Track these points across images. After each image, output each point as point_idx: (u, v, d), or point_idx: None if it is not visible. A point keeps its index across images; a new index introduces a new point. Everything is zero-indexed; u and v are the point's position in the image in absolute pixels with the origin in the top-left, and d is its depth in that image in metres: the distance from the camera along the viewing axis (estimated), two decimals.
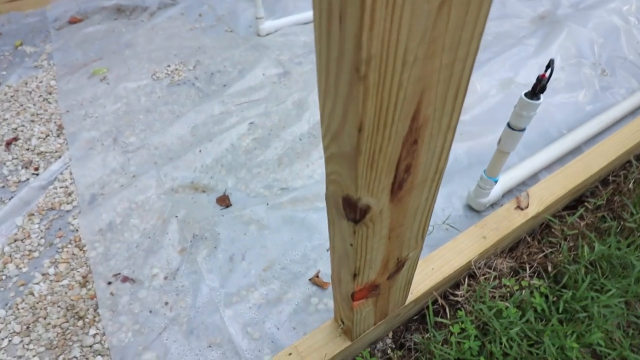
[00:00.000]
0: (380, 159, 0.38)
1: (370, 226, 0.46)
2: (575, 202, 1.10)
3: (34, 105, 1.55)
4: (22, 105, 1.56)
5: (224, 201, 1.16)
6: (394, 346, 0.85)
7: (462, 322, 0.75)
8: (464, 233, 0.92)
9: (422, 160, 0.42)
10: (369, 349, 0.84)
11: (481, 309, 0.77)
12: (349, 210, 0.43)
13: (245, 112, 1.43)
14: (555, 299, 0.80)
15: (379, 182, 0.40)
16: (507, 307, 0.77)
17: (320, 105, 0.36)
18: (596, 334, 0.72)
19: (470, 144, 1.24)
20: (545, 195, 0.98)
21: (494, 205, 1.09)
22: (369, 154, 0.36)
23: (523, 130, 0.86)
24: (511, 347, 0.70)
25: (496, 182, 1.00)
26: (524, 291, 0.81)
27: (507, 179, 1.08)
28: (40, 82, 1.68)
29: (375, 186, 0.40)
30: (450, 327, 0.75)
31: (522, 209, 0.95)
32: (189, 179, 1.24)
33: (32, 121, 1.48)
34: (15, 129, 1.45)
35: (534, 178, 1.14)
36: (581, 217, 0.98)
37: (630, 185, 1.03)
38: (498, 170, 0.96)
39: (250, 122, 1.39)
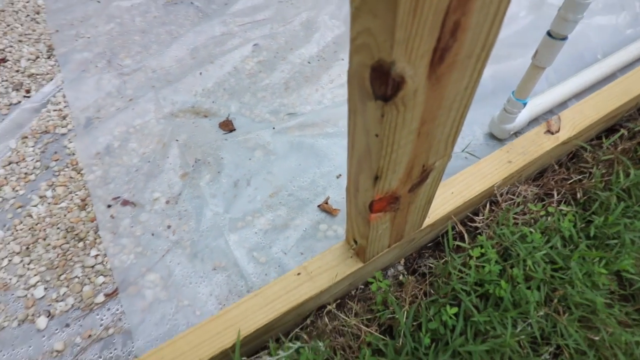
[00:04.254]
0: (426, 4, 0.29)
1: (401, 110, 0.39)
2: (608, 130, 1.01)
3: (22, 25, 1.43)
4: (8, 25, 1.44)
5: (227, 126, 1.09)
6: (406, 272, 0.82)
7: (482, 247, 0.70)
8: (487, 157, 0.84)
9: (473, 21, 0.34)
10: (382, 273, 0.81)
11: (503, 234, 0.72)
12: (378, 84, 0.36)
13: (248, 33, 1.31)
14: (583, 225, 0.75)
15: (419, 41, 0.32)
16: (531, 232, 0.71)
17: None
18: (627, 260, 0.67)
19: (496, 68, 1.13)
20: (578, 120, 0.89)
21: (517, 134, 1.01)
22: None
23: (565, 39, 0.76)
24: (535, 271, 0.66)
25: (525, 104, 0.91)
26: (550, 217, 0.75)
27: (534, 104, 0.99)
28: (27, 1, 1.54)
29: (415, 47, 0.32)
30: (470, 251, 0.70)
31: (552, 133, 0.87)
32: (190, 103, 1.15)
33: (20, 41, 1.37)
34: (3, 49, 1.35)
35: (562, 106, 1.05)
36: (615, 144, 0.90)
37: None
38: (529, 91, 0.87)
39: (254, 44, 1.27)
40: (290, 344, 0.62)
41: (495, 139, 1.01)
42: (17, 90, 1.24)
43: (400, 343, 0.61)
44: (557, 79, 1.11)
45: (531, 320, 0.62)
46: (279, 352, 0.62)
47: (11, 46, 1.36)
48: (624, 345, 0.62)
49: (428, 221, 0.74)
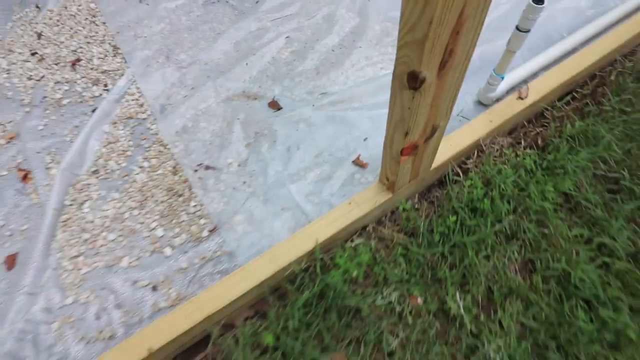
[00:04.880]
0: (437, 44, 0.61)
1: (422, 94, 0.71)
2: (566, 94, 1.33)
3: (84, 28, 1.70)
4: (71, 28, 1.71)
5: (275, 105, 1.40)
6: (420, 202, 1.16)
7: (472, 179, 1.04)
8: (475, 119, 1.17)
9: (460, 47, 0.65)
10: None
11: (486, 170, 1.05)
12: (411, 82, 0.67)
13: (280, 27, 1.59)
14: (541, 162, 1.08)
15: (433, 61, 0.64)
16: (505, 168, 1.05)
17: (403, 6, 0.58)
18: (568, 182, 1.00)
19: (482, 49, 1.43)
20: (541, 88, 1.21)
21: (499, 100, 1.33)
22: (432, 40, 0.59)
23: (528, 31, 1.06)
24: (506, 191, 0.99)
25: (503, 78, 1.22)
26: (518, 158, 1.09)
27: (511, 77, 1.30)
28: (80, 5, 1.80)
29: (431, 63, 0.64)
30: (463, 182, 1.04)
31: (522, 99, 1.19)
32: (241, 88, 1.46)
33: (88, 43, 1.65)
34: (75, 50, 1.63)
35: (534, 76, 1.36)
36: (568, 103, 1.22)
37: (613, 78, 1.25)
38: (505, 68, 1.18)
39: (286, 37, 1.56)
40: (351, 244, 0.97)
41: (482, 104, 1.33)
42: (96, 85, 1.54)
43: (420, 241, 0.96)
44: (530, 55, 1.41)
45: (503, 222, 0.96)
46: (345, 247, 0.97)
47: (81, 47, 1.64)
48: (565, 235, 0.97)
49: (435, 165, 1.07)
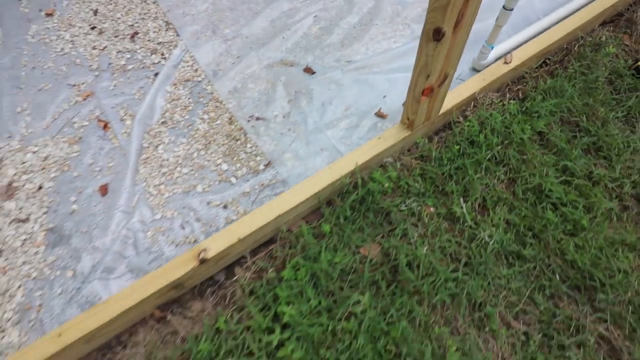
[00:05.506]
0: (454, 8, 0.93)
1: (442, 45, 1.03)
2: (541, 61, 1.69)
3: (136, 6, 1.97)
4: (125, 7, 1.97)
5: (309, 70, 1.70)
6: (431, 139, 1.49)
7: (470, 121, 1.38)
8: (471, 79, 1.51)
9: (468, 11, 0.98)
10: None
11: (481, 114, 1.39)
12: (436, 35, 1.00)
13: (308, 8, 1.90)
14: (521, 108, 1.43)
15: (451, 20, 0.96)
16: (494, 113, 1.39)
17: None
18: (541, 123, 1.35)
19: (476, 26, 1.76)
20: (522, 56, 1.56)
21: (488, 66, 1.67)
22: (452, 5, 0.92)
23: (512, 9, 1.40)
24: (495, 128, 1.34)
25: (492, 48, 1.56)
26: (504, 106, 1.43)
27: (499, 48, 1.64)
28: None
29: (450, 22, 0.97)
30: (464, 124, 1.38)
31: (507, 64, 1.53)
32: (279, 57, 1.76)
33: (143, 19, 1.92)
34: (132, 25, 1.90)
35: (517, 48, 1.70)
36: (541, 67, 1.57)
37: (576, 49, 1.61)
38: (494, 39, 1.52)
39: (314, 16, 1.87)
40: (381, 167, 1.30)
41: (476, 70, 1.67)
42: (154, 54, 1.82)
43: (432, 164, 1.29)
44: (514, 32, 1.76)
45: (494, 151, 1.30)
46: (377, 169, 1.29)
47: (137, 22, 1.91)
48: (538, 160, 1.32)
49: (442, 111, 1.40)
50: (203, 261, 1.14)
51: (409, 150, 1.45)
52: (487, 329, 1.10)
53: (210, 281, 1.23)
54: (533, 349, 1.06)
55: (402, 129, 1.38)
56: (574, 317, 1.11)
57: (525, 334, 1.10)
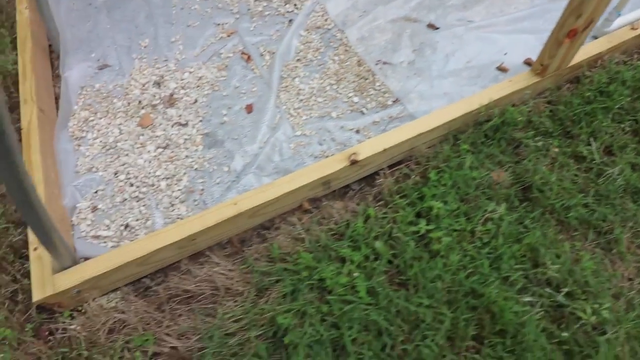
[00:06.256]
0: None
1: None
2: None
3: None
4: None
5: (432, 26, 1.84)
6: (560, 87, 1.57)
7: (599, 74, 1.46)
8: (598, 40, 1.58)
9: None
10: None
11: (610, 68, 1.47)
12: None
13: None
14: None
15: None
16: (621, 69, 1.46)
17: None
18: None
19: None
20: None
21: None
22: None
23: None
24: (625, 81, 1.42)
25: (619, 15, 1.63)
26: (630, 66, 1.51)
27: (623, 18, 1.70)
28: None
29: None
30: (593, 76, 1.47)
31: (634, 29, 1.60)
32: (403, 14, 1.91)
33: None
34: None
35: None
36: None
37: None
38: (622, 6, 1.58)
39: None
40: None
41: (596, 38, 1.74)
42: (288, 4, 2.02)
43: (561, 107, 1.40)
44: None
45: (623, 101, 1.39)
46: (510, 108, 1.40)
47: None
48: None
49: (572, 62, 1.49)
50: (353, 162, 1.29)
51: (539, 95, 1.54)
52: (614, 251, 1.18)
53: (352, 186, 1.39)
54: None
55: (532, 75, 1.48)
56: None
57: None
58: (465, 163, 1.26)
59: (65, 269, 1.11)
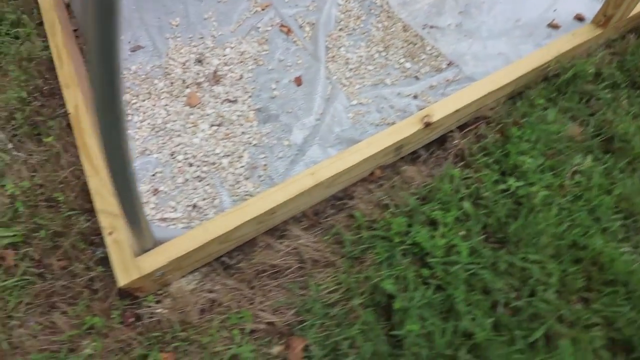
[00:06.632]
0: None
1: None
2: None
3: None
4: None
5: None
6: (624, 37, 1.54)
7: None
8: None
9: None
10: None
11: None
12: None
13: None
14: None
15: None
16: None
17: None
18: None
19: None
20: None
21: None
22: None
23: None
24: None
25: None
26: None
27: None
28: None
29: None
30: None
31: None
32: None
33: None
34: None
35: None
36: None
37: None
38: None
39: None
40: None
41: None
42: None
43: (628, 57, 1.36)
44: None
45: None
46: (577, 61, 1.36)
47: None
48: None
49: (633, 12, 1.45)
50: (427, 124, 1.25)
51: (602, 46, 1.50)
52: None
53: (419, 152, 1.34)
54: None
55: (594, 27, 1.44)
56: None
57: None
58: (547, 117, 1.22)
59: (146, 251, 1.06)
